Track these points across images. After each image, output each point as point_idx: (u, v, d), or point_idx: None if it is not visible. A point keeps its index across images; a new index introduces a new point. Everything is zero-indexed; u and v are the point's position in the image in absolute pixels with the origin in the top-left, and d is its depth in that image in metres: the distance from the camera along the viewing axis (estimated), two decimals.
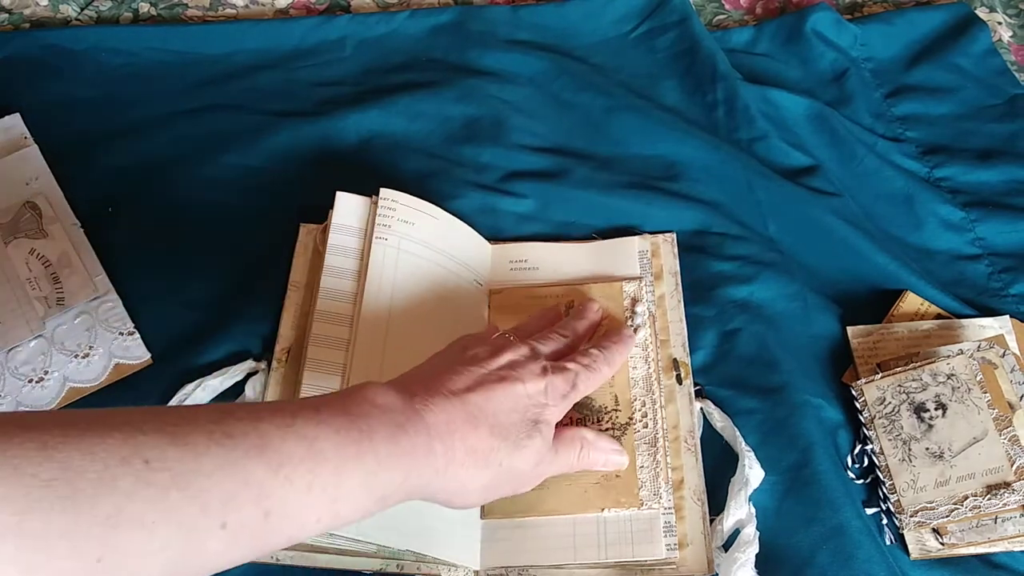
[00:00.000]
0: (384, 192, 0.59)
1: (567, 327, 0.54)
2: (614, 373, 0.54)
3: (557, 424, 0.49)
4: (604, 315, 0.58)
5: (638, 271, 0.61)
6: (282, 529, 0.36)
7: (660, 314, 0.59)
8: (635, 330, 0.57)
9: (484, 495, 0.46)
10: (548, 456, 0.48)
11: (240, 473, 0.35)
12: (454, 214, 0.62)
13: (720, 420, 0.55)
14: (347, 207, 0.59)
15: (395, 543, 0.48)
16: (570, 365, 0.50)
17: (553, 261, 0.62)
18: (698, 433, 0.55)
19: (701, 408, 0.56)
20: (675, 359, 0.57)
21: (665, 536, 0.50)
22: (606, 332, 0.56)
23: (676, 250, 0.63)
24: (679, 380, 0.56)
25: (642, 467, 0.52)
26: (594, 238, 0.64)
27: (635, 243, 0.62)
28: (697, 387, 0.57)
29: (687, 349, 0.58)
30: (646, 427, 0.54)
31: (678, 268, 0.62)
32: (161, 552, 0.32)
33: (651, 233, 0.63)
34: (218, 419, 0.36)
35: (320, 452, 0.37)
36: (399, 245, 0.58)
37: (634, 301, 0.59)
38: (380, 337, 0.55)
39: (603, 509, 0.51)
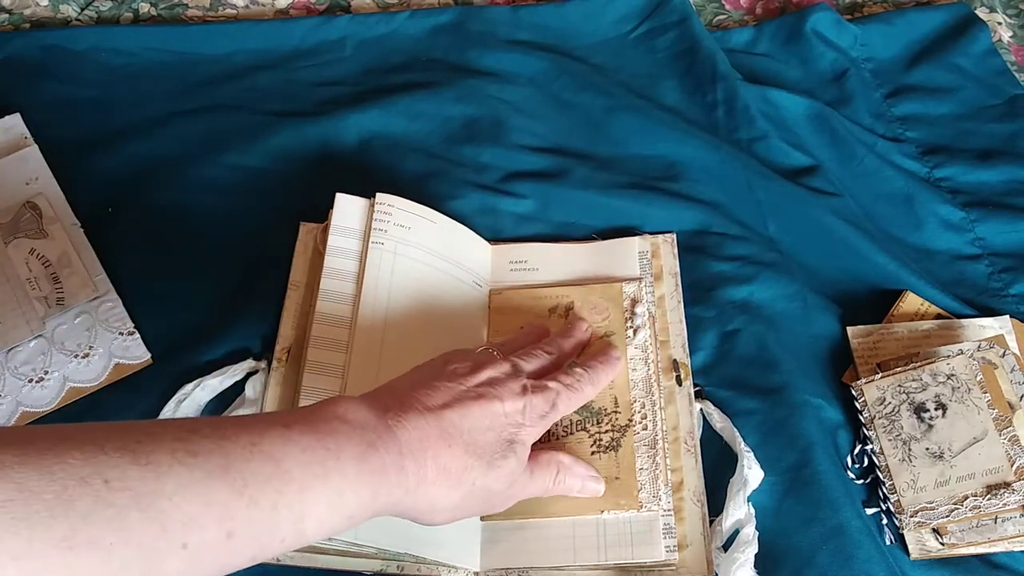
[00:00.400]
0: (380, 197, 0.59)
1: (553, 344, 0.54)
2: (597, 394, 0.53)
3: (535, 445, 0.48)
4: (593, 335, 0.57)
5: (638, 272, 0.61)
6: (245, 549, 0.36)
7: (660, 315, 0.59)
8: (635, 331, 0.57)
9: (454, 514, 0.45)
10: (522, 478, 0.47)
11: (203, 493, 0.34)
12: (454, 214, 0.62)
13: (720, 421, 0.55)
14: (346, 209, 0.59)
15: (395, 545, 0.48)
16: (551, 384, 0.49)
17: (553, 262, 0.62)
18: (698, 434, 0.55)
19: (701, 409, 0.56)
20: (675, 360, 0.57)
21: (664, 538, 0.50)
22: (593, 351, 0.55)
23: (676, 250, 0.62)
24: (679, 381, 0.56)
25: (641, 469, 0.52)
26: (594, 238, 0.64)
27: (635, 243, 0.62)
28: (697, 388, 0.57)
29: (687, 350, 0.58)
30: (646, 429, 0.54)
31: (678, 269, 0.62)
32: (119, 573, 0.32)
33: (651, 233, 0.63)
34: (184, 437, 0.35)
35: (286, 472, 0.37)
36: (395, 249, 0.58)
37: (634, 302, 0.59)
38: (377, 341, 0.55)
39: (603, 511, 0.51)
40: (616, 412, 0.54)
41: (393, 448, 0.41)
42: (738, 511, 0.51)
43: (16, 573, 0.29)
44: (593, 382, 0.52)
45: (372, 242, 0.58)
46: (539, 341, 0.54)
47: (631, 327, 0.57)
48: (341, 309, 0.56)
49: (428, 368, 0.48)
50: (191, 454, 0.35)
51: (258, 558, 0.37)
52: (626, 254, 0.62)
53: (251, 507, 0.35)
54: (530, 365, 0.50)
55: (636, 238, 0.63)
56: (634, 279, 0.60)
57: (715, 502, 0.52)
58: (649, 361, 0.56)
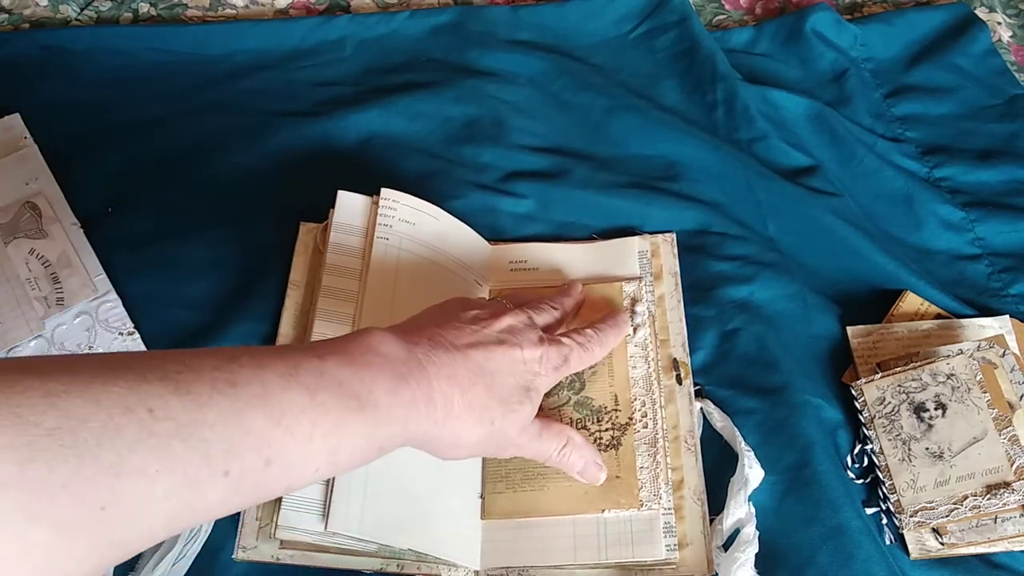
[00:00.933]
0: (385, 192, 0.59)
1: (558, 301, 0.55)
2: (604, 356, 0.54)
3: (552, 416, 0.50)
4: (584, 295, 0.59)
5: (638, 271, 0.61)
6: (282, 477, 0.37)
7: (660, 314, 0.59)
8: (635, 330, 0.57)
9: (473, 450, 0.46)
10: (531, 430, 0.48)
11: (242, 422, 0.35)
12: (454, 214, 0.62)
13: (720, 420, 0.55)
14: (348, 206, 0.59)
15: (396, 543, 0.48)
16: (565, 340, 0.51)
17: (553, 261, 0.62)
18: (698, 433, 0.55)
19: (701, 408, 0.56)
20: (675, 359, 0.57)
21: (665, 537, 0.50)
22: (602, 316, 0.56)
23: (676, 250, 0.63)
24: (679, 380, 0.56)
25: (642, 468, 0.52)
26: (594, 238, 0.64)
27: (635, 243, 0.62)
28: (697, 387, 0.57)
29: (687, 349, 0.58)
30: (646, 427, 0.54)
31: (678, 268, 0.62)
32: (164, 500, 0.33)
33: (651, 233, 0.63)
34: (222, 366, 0.36)
35: (322, 404, 0.38)
36: (400, 245, 0.58)
37: (634, 301, 0.59)
38: None
39: (603, 510, 0.51)
40: (616, 410, 0.54)
41: (423, 382, 0.42)
42: (739, 510, 0.51)
43: (67, 500, 0.30)
44: (602, 343, 0.53)
45: (377, 237, 0.58)
46: (537, 299, 0.55)
47: (631, 326, 0.58)
48: (343, 305, 0.56)
49: (447, 308, 0.49)
50: (230, 384, 0.36)
51: (294, 487, 0.38)
52: (626, 254, 0.62)
53: (287, 436, 0.36)
54: (541, 318, 0.52)
55: (636, 238, 0.63)
56: (634, 278, 0.60)
57: (715, 501, 0.52)
58: (649, 360, 0.56)
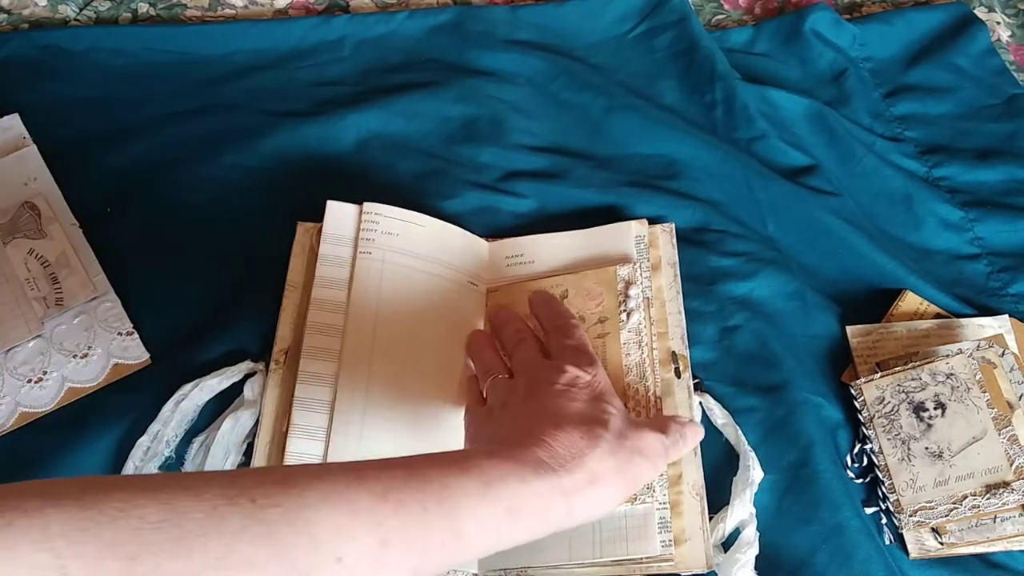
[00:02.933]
0: (367, 206, 0.59)
1: (525, 329, 0.54)
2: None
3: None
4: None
5: (634, 254, 0.60)
6: (405, 558, 0.35)
7: (659, 305, 0.59)
8: (628, 314, 0.57)
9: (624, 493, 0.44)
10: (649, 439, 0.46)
11: (347, 502, 0.34)
12: (453, 214, 0.62)
13: (721, 418, 0.55)
14: (338, 216, 0.59)
15: None
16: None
17: (549, 253, 0.62)
18: None
19: (700, 402, 0.56)
20: (673, 352, 0.57)
21: (660, 532, 0.50)
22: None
23: (675, 240, 0.62)
24: (677, 373, 0.56)
25: None
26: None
27: (631, 227, 0.61)
28: (696, 380, 0.57)
29: (686, 342, 0.58)
30: (639, 416, 0.53)
31: (676, 259, 0.61)
32: None
33: (649, 221, 0.63)
34: (315, 470, 0.36)
35: (421, 474, 0.37)
36: (384, 258, 0.58)
37: (628, 284, 0.58)
38: (366, 349, 0.55)
39: None
40: None
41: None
42: (743, 510, 0.51)
43: None
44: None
45: (360, 252, 0.58)
46: (519, 328, 0.54)
47: (624, 311, 0.57)
48: (333, 318, 0.56)
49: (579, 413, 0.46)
50: (326, 471, 0.36)
51: (422, 569, 0.36)
52: (622, 238, 0.61)
53: (399, 510, 0.35)
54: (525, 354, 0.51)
55: (633, 222, 0.61)
56: (627, 261, 0.59)
57: (713, 499, 0.52)
58: (643, 345, 0.56)
